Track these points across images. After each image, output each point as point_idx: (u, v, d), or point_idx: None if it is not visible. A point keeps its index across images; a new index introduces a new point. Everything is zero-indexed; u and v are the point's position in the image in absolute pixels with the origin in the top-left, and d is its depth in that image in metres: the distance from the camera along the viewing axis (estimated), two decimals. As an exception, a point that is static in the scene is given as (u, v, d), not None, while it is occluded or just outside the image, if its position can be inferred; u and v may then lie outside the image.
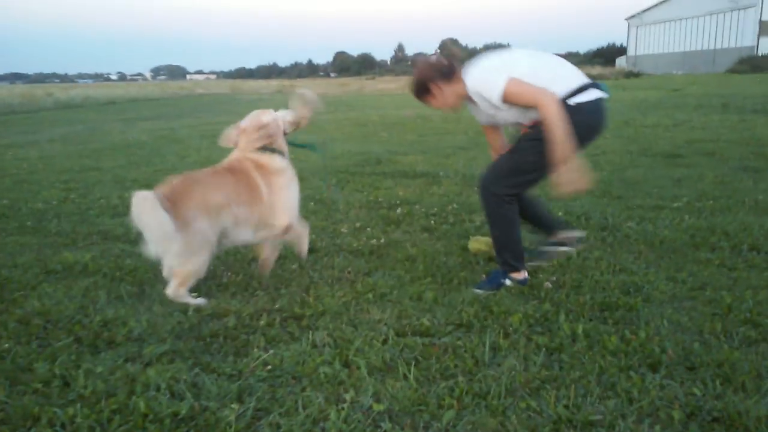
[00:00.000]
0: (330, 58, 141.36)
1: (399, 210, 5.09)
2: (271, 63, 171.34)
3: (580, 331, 2.69)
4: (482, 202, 3.32)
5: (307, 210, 5.17)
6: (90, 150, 10.33)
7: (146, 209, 2.91)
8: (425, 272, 3.56)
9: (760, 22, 43.33)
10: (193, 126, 14.92)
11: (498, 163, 3.32)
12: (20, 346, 2.68)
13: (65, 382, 2.37)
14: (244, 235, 3.40)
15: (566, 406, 2.15)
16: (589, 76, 3.22)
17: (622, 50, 61.47)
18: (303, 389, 2.32)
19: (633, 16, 56.63)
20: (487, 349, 2.57)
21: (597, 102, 3.07)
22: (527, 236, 3.57)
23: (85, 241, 4.41)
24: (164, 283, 3.24)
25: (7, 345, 2.68)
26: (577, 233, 3.64)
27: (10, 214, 5.35)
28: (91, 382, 2.33)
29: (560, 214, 4.74)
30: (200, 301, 3.18)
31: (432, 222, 4.72)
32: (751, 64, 38.31)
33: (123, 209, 5.43)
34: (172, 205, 3.00)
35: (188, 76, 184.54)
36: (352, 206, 5.30)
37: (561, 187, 3.03)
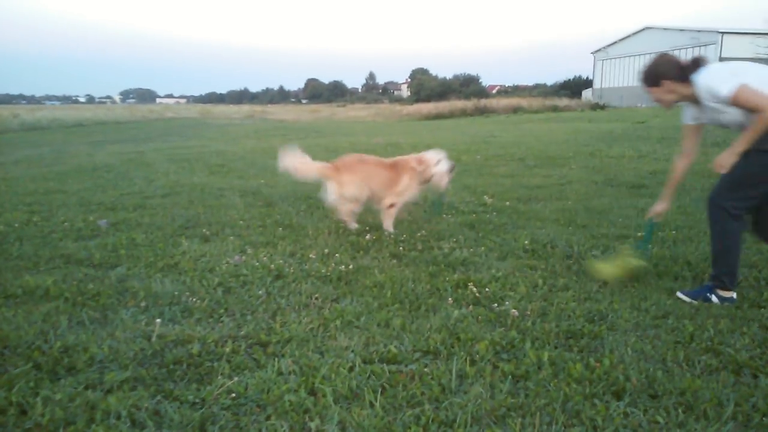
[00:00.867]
0: (301, 85, 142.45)
1: (368, 236, 5.10)
2: (242, 88, 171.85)
3: (545, 358, 2.71)
4: (708, 214, 3.49)
5: (275, 235, 5.15)
6: (55, 172, 10.16)
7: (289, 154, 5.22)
8: (393, 299, 3.56)
9: (720, 59, 44.87)
10: (161, 150, 14.80)
11: (725, 176, 3.42)
12: (-25, 373, 2.59)
13: (22, 410, 2.31)
14: (376, 202, 5.42)
15: (531, 434, 2.15)
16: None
17: (588, 83, 62.81)
18: (268, 417, 2.29)
19: (599, 50, 58.04)
20: (453, 376, 2.57)
21: None
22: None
23: (47, 265, 4.31)
24: (127, 308, 3.18)
25: (-40, 372, 2.59)
26: None
27: (-31, 236, 5.20)
28: (49, 410, 2.27)
29: (525, 242, 4.80)
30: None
31: (401, 248, 4.73)
32: (711, 98, 39.46)
33: (87, 232, 5.34)
34: (338, 170, 5.20)
35: (158, 100, 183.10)
36: (320, 232, 5.29)
37: None
